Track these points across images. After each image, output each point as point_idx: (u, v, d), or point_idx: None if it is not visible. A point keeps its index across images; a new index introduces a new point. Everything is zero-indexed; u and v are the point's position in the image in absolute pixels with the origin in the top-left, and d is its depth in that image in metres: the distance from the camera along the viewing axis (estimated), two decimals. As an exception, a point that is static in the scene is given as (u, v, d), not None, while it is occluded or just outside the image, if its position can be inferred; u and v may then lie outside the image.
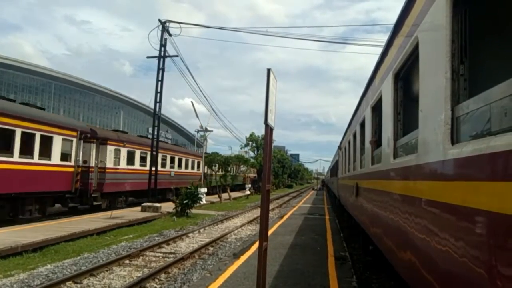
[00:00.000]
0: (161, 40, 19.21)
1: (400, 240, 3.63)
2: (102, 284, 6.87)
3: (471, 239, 1.93)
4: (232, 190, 33.66)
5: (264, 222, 4.12)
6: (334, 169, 25.86)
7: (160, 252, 9.76)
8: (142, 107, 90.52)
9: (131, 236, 11.80)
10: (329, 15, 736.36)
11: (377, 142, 5.56)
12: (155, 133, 19.70)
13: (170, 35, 19.52)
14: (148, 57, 20.35)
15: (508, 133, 1.65)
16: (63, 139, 14.98)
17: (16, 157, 12.63)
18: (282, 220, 15.00)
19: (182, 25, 19.42)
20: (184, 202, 17.06)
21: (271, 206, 21.54)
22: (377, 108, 5.50)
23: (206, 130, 30.47)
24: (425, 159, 2.74)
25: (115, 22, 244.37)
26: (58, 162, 14.73)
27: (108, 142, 18.54)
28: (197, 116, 28.71)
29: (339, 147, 17.15)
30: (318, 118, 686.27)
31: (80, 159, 16.37)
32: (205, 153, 31.19)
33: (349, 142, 10.97)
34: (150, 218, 15.66)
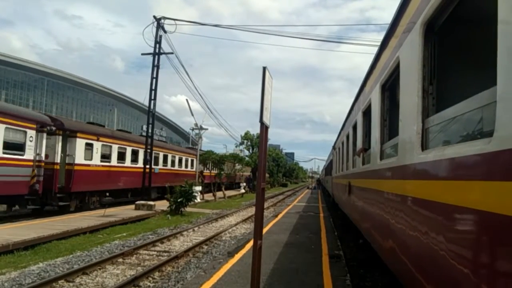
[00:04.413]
0: (156, 37, 19.06)
1: (385, 232, 4.04)
2: (95, 283, 6.82)
3: (439, 229, 2.28)
4: (227, 189, 33.58)
5: (258, 220, 4.11)
6: (328, 168, 26.02)
7: (154, 251, 9.72)
8: (136, 104, 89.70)
9: (124, 234, 11.73)
10: (323, 14, 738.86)
11: (365, 149, 5.96)
12: (149, 130, 19.60)
13: (165, 32, 19.39)
14: (142, 54, 20.23)
15: (456, 145, 2.17)
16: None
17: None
18: (276, 219, 15.02)
19: (177, 22, 19.33)
20: (179, 200, 16.99)
21: (265, 205, 21.50)
22: (367, 113, 5.91)
23: (201, 128, 30.28)
24: (403, 162, 3.20)
25: (107, 17, 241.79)
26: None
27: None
28: (192, 114, 28.57)
29: (334, 147, 17.27)
30: (312, 117, 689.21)
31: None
32: (200, 150, 31.04)
33: (342, 143, 11.14)
34: (144, 216, 15.57)
